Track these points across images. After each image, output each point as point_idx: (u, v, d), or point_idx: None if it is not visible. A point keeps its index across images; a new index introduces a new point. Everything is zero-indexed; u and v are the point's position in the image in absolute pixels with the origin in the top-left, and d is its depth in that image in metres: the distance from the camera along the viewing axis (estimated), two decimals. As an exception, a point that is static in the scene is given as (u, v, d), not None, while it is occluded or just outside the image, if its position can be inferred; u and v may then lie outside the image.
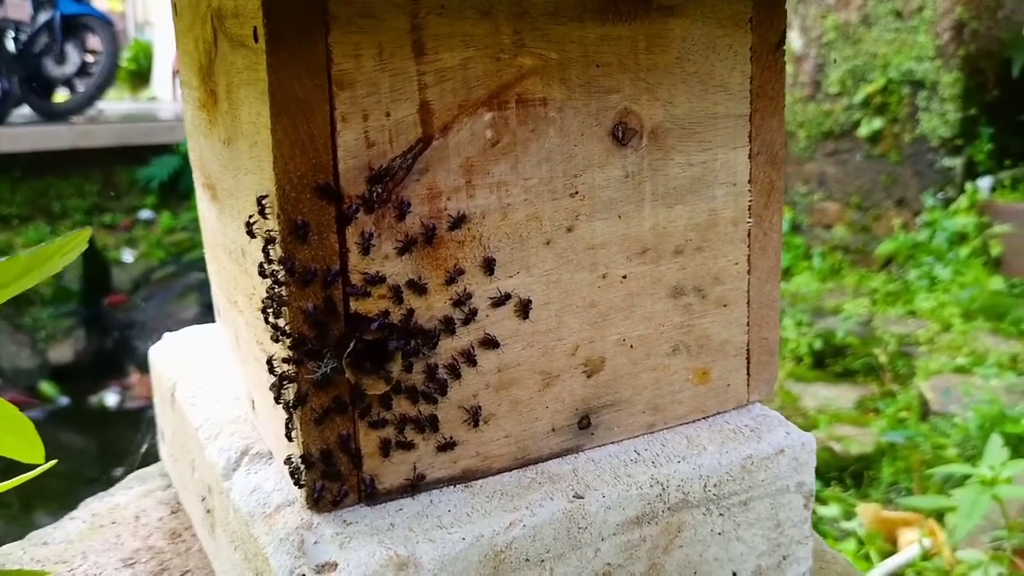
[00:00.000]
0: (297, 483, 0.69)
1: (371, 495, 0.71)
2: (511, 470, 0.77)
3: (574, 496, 0.74)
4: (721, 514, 0.80)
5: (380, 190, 0.67)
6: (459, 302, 0.72)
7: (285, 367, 0.67)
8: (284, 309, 0.66)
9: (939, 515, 2.56)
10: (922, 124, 5.24)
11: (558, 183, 0.74)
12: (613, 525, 0.74)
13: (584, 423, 0.80)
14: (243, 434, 0.83)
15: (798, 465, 0.83)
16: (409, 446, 0.72)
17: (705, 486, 0.78)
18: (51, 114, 6.70)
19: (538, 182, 0.73)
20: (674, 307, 0.82)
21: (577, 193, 0.75)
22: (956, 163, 5.18)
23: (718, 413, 0.86)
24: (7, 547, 0.98)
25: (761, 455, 0.81)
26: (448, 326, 0.71)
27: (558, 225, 0.75)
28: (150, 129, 6.54)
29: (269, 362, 0.70)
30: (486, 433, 0.75)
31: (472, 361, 0.73)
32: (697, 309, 0.83)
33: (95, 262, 5.11)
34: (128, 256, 5.27)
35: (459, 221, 0.70)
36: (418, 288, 0.70)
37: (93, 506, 1.06)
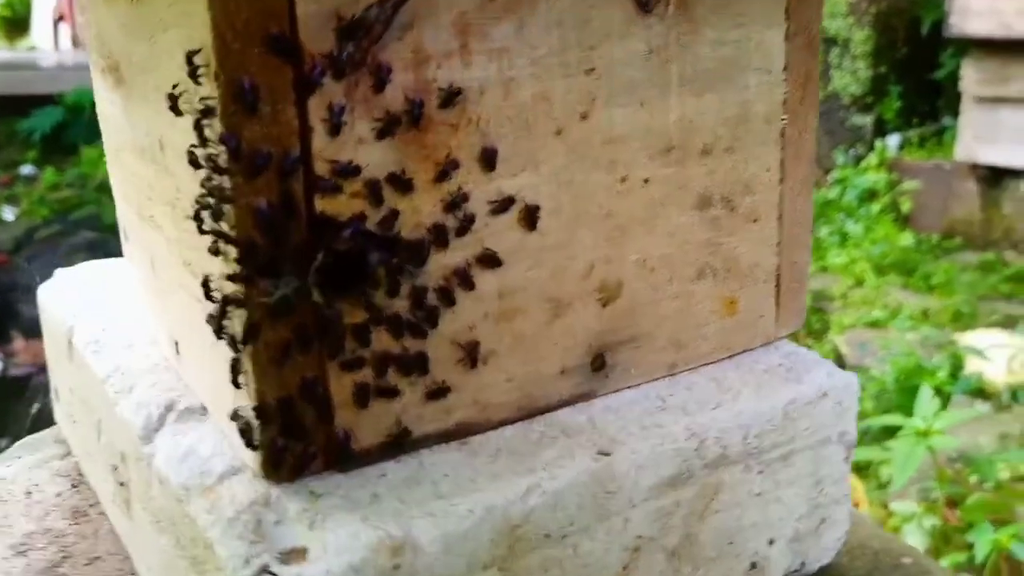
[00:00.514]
0: (249, 443, 0.52)
1: (346, 457, 0.54)
2: (515, 422, 0.62)
3: (599, 453, 0.59)
4: (760, 471, 0.66)
5: (352, 49, 0.50)
6: (453, 205, 0.55)
7: (230, 288, 0.50)
8: (227, 208, 0.48)
9: (858, 468, 2.54)
10: (834, 81, 5.26)
11: (571, 55, 0.58)
12: (645, 488, 0.60)
13: (598, 363, 0.65)
14: (165, 385, 0.65)
15: (842, 411, 0.70)
16: (392, 393, 0.55)
17: (745, 437, 0.65)
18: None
19: (547, 52, 0.57)
20: (700, 221, 0.67)
21: (594, 70, 0.59)
22: (866, 121, 5.23)
23: (745, 351, 0.73)
24: None
25: (804, 399, 0.68)
26: (439, 236, 0.55)
27: (571, 110, 0.59)
28: (30, 78, 5.99)
29: (205, 284, 0.52)
30: (485, 376, 0.59)
31: (469, 283, 0.57)
32: (725, 224, 0.69)
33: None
34: (8, 214, 4.81)
35: (452, 96, 0.54)
36: (402, 184, 0.53)
37: (-31, 484, 0.85)
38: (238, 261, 0.49)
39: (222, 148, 0.47)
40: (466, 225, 0.56)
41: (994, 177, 4.46)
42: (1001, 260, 4.28)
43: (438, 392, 0.57)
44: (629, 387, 0.67)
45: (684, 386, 0.68)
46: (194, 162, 0.49)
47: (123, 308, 0.76)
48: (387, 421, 0.56)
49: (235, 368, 0.52)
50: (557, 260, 0.61)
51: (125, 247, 0.77)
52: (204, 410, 0.61)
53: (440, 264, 0.56)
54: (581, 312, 0.63)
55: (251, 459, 0.53)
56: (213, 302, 0.51)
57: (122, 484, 0.68)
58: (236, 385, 0.52)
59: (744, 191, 0.69)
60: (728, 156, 0.68)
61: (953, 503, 2.19)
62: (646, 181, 0.64)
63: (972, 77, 4.42)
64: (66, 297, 0.81)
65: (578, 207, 0.61)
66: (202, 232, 0.50)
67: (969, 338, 3.36)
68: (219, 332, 0.51)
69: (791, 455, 0.68)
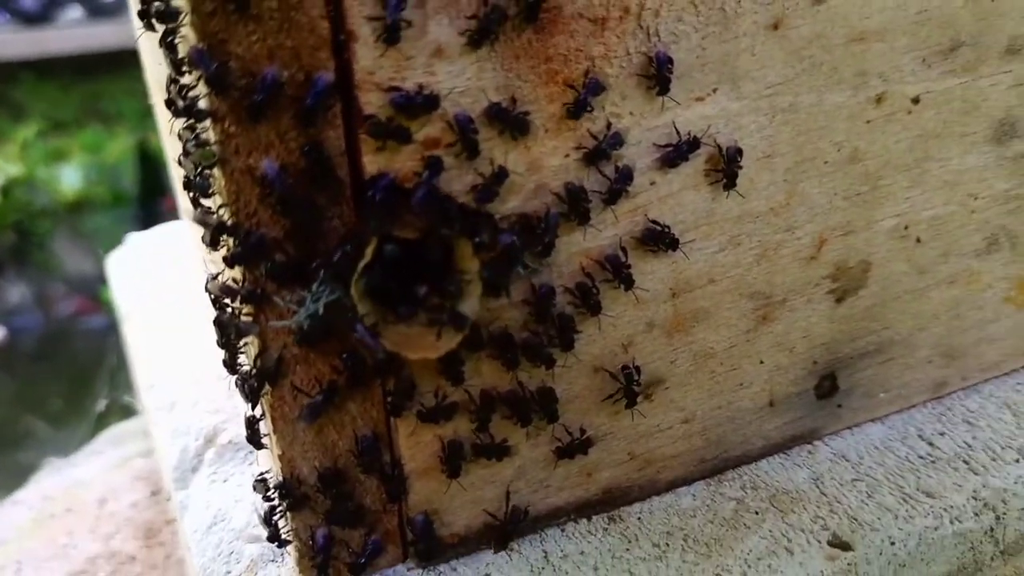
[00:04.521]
0: (273, 536, 0.34)
1: (428, 549, 0.35)
2: (693, 482, 0.40)
3: (832, 544, 0.37)
4: (1093, 557, 0.42)
5: None
6: (597, 153, 0.34)
7: (233, 304, 0.31)
8: (213, 173, 0.29)
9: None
10: None
11: None
12: (911, 599, 0.38)
13: (827, 386, 0.42)
14: (213, 405, 0.48)
15: None
16: (500, 451, 0.35)
17: (1065, 505, 0.41)
18: (99, 12, 6.39)
19: None
20: (997, 161, 0.43)
21: (837, -81, 0.35)
22: None
23: (1052, 357, 0.48)
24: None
25: None
26: (575, 205, 0.34)
27: (796, -10, 0.35)
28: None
29: (208, 291, 0.33)
30: (649, 417, 0.38)
31: (624, 278, 0.35)
32: (1036, 166, 0.43)
33: (150, 166, 4.88)
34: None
35: (597, -29, 0.32)
36: (512, 122, 0.32)
37: (46, 484, 0.74)
38: (235, 260, 0.30)
39: (196, 73, 0.27)
40: (619, 186, 0.34)
41: None
42: None
43: (574, 447, 0.37)
44: (873, 421, 0.44)
45: (961, 418, 0.45)
46: (171, 104, 0.30)
47: (189, 289, 0.60)
48: (490, 494, 0.36)
49: (252, 424, 0.33)
50: (767, 233, 0.38)
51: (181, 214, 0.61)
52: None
53: (577, 250, 0.35)
54: (803, 312, 0.40)
55: (287, 555, 0.35)
56: (220, 320, 0.32)
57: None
58: (255, 445, 0.34)
59: (1069, 112, 0.44)
60: (1047, 56, 0.42)
61: None
62: (915, 101, 0.40)
63: None
64: (128, 271, 0.66)
65: (804, 148, 0.38)
66: (195, 207, 0.32)
67: None
68: (231, 366, 0.33)
69: None
